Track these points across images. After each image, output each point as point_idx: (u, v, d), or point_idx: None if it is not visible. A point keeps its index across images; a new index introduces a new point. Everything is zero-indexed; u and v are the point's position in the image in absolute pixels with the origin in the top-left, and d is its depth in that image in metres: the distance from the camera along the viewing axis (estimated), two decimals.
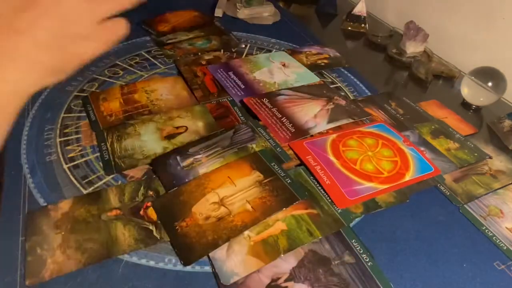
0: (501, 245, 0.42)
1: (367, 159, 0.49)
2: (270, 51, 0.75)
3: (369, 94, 0.65)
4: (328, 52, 0.75)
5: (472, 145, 0.55)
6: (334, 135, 0.53)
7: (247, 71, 0.67)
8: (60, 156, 0.48)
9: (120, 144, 0.50)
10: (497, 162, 0.53)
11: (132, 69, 0.66)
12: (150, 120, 0.54)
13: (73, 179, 0.45)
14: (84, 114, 0.55)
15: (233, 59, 0.70)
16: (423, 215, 0.45)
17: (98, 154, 0.49)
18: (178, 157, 0.48)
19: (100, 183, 0.45)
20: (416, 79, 0.71)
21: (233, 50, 0.74)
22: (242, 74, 0.66)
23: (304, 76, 0.67)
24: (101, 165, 0.47)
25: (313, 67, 0.70)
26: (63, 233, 0.39)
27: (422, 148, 0.53)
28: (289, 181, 0.45)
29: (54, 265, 0.36)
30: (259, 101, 0.59)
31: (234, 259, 0.38)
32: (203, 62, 0.68)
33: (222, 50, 0.73)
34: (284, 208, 0.42)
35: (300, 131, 0.53)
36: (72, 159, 0.48)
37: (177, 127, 0.53)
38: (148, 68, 0.67)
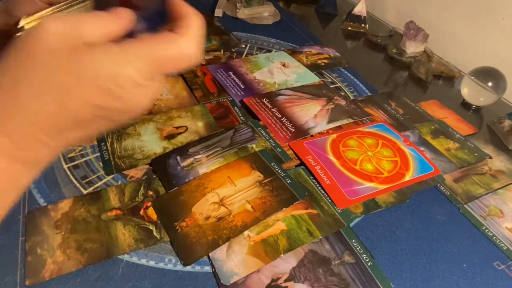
0: (501, 245, 0.42)
1: (367, 159, 0.49)
2: (270, 51, 0.75)
3: (369, 94, 0.65)
4: (328, 52, 0.75)
5: (472, 145, 0.55)
6: (334, 135, 0.53)
7: (247, 71, 0.67)
8: (60, 156, 0.48)
9: (120, 144, 0.50)
10: (497, 162, 0.53)
11: None
12: (150, 120, 0.54)
13: (73, 179, 0.45)
14: None
15: (233, 59, 0.70)
16: (423, 215, 0.45)
17: (98, 154, 0.49)
18: (178, 157, 0.48)
19: (100, 183, 0.45)
20: (416, 79, 0.71)
21: (233, 50, 0.74)
22: (242, 74, 0.66)
23: (304, 76, 0.67)
24: (101, 165, 0.47)
25: (313, 67, 0.70)
26: (63, 233, 0.39)
27: (422, 148, 0.53)
28: (289, 181, 0.45)
29: (54, 265, 0.36)
30: (259, 101, 0.58)
31: (234, 259, 0.38)
32: (203, 62, 0.68)
33: (222, 50, 0.73)
34: (284, 208, 0.42)
35: (300, 131, 0.53)
36: (72, 159, 0.48)
37: (177, 127, 0.53)
38: None
